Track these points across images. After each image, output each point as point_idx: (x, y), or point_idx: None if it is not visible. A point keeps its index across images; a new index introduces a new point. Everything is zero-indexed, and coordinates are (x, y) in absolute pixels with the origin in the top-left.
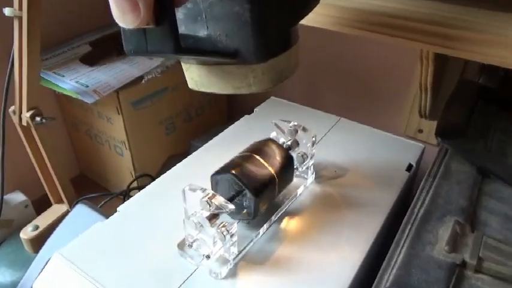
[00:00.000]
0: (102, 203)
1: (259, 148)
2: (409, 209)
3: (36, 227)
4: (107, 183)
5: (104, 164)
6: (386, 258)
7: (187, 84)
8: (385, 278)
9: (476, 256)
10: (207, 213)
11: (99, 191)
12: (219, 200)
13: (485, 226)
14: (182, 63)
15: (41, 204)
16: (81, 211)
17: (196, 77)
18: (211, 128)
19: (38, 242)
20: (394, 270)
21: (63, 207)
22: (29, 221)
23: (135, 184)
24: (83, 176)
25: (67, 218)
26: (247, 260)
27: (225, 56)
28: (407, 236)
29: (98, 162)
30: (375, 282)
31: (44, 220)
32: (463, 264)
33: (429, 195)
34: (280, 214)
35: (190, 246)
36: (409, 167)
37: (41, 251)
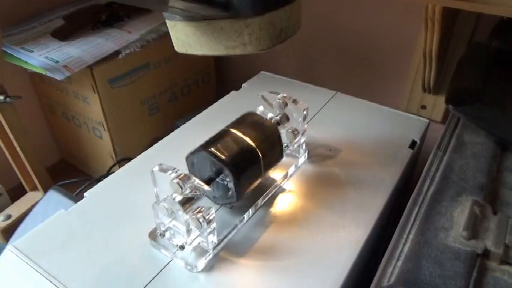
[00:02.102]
0: (79, 189)
1: (240, 122)
2: (416, 188)
3: (9, 216)
4: (87, 169)
5: (83, 148)
6: (389, 248)
7: (170, 61)
8: (389, 272)
9: (502, 243)
10: (180, 197)
11: (80, 177)
12: (193, 181)
13: (509, 206)
14: (167, 21)
15: (17, 193)
16: (53, 198)
17: (183, 36)
18: (198, 108)
19: (10, 232)
20: (400, 263)
21: (38, 195)
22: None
23: (116, 169)
24: (64, 162)
25: (37, 206)
26: (230, 250)
27: (215, 5)
28: (414, 220)
29: (78, 147)
30: (376, 276)
31: (17, 209)
32: (486, 253)
33: (440, 171)
34: (268, 197)
35: (163, 235)
36: (413, 144)
37: (9, 243)
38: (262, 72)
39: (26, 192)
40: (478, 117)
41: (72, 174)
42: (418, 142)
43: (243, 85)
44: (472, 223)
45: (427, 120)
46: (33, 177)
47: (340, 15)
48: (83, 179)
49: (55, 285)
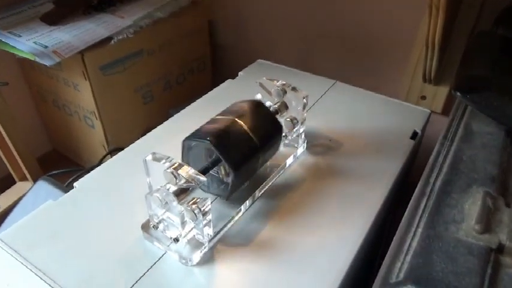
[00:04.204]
0: (70, 180)
1: (242, 111)
2: (422, 179)
3: None
4: (79, 159)
5: (75, 138)
6: (395, 241)
7: (164, 48)
8: (396, 267)
9: None
10: (174, 188)
11: (72, 167)
12: (188, 171)
13: None
14: None
15: (6, 183)
16: (42, 189)
17: None
18: (193, 98)
19: None
20: (409, 258)
21: (28, 185)
22: None
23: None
24: (56, 152)
25: (26, 196)
26: (226, 243)
27: None
28: (422, 212)
29: (69, 136)
30: (382, 271)
31: (5, 199)
32: (500, 248)
33: (447, 161)
34: (265, 188)
35: (156, 227)
36: (414, 135)
37: None
38: (259, 60)
39: (15, 183)
40: (487, 106)
41: (64, 165)
42: (420, 133)
43: (239, 73)
44: (485, 216)
45: (429, 111)
46: (22, 167)
47: (340, 3)
48: (74, 169)
49: (42, 279)
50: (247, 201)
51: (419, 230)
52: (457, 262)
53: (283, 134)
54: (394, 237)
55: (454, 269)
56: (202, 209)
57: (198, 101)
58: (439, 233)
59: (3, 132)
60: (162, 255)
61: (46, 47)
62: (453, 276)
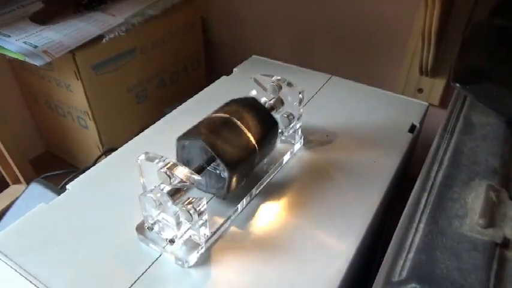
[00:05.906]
0: (64, 182)
1: (237, 108)
2: (422, 173)
3: None
4: (74, 160)
5: (68, 139)
6: (396, 237)
7: (158, 46)
8: (399, 265)
9: None
10: (168, 188)
11: (66, 169)
12: (182, 170)
13: None
14: None
15: (0, 186)
16: (35, 191)
17: None
18: (188, 95)
19: None
20: (411, 255)
21: (21, 188)
22: None
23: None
24: (50, 153)
25: (19, 199)
26: (223, 243)
27: None
28: (424, 207)
29: (62, 137)
30: (384, 270)
31: None
32: (505, 242)
33: (448, 154)
34: (262, 186)
35: (151, 229)
36: (412, 128)
37: None
38: (254, 56)
39: (8, 186)
40: (487, 96)
41: (59, 166)
42: (418, 126)
43: (234, 70)
44: (489, 210)
45: (426, 104)
46: (15, 169)
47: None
48: (68, 170)
49: (35, 285)
50: (244, 200)
51: (421, 225)
52: (461, 258)
53: (280, 131)
54: (395, 234)
55: (458, 265)
56: (197, 209)
57: (193, 98)
58: (442, 229)
59: None
60: (158, 257)
61: (36, 46)
62: (458, 273)
